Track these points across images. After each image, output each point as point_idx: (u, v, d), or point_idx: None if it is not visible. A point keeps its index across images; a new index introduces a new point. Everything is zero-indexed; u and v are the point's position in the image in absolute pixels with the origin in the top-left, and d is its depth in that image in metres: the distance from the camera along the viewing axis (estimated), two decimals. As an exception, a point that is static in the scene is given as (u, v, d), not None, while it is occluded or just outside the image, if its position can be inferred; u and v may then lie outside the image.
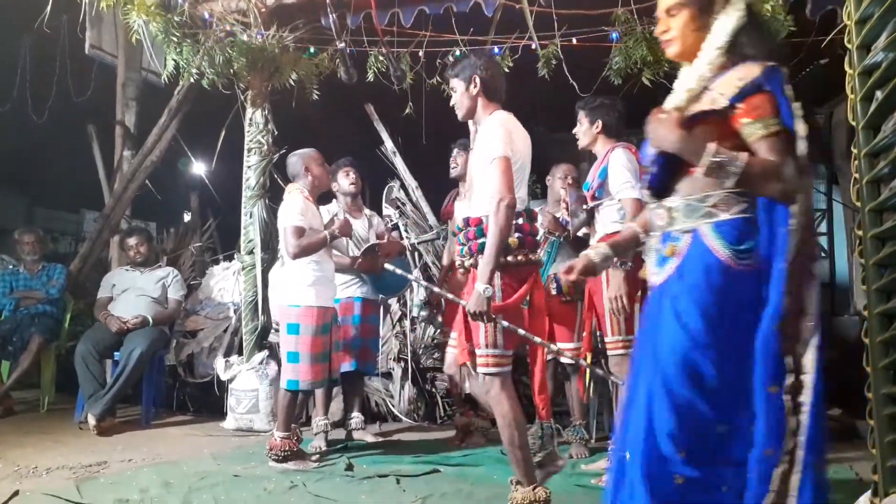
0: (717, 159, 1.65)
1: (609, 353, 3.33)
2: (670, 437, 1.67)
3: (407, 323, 5.13)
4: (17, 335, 4.93)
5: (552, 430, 2.81)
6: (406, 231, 5.25)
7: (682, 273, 1.76)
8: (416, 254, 5.25)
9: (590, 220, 3.45)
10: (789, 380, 1.64)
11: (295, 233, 3.51)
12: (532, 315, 2.71)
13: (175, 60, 4.36)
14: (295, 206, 3.58)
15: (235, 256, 5.32)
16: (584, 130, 3.44)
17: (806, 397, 1.64)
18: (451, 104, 2.84)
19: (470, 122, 2.86)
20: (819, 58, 5.24)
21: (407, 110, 4.65)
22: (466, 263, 2.73)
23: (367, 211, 4.48)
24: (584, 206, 3.44)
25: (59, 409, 4.96)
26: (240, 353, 5.06)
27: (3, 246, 5.66)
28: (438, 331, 4.98)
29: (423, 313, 4.93)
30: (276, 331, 4.72)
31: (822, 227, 6.93)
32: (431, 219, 5.28)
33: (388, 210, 5.38)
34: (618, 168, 3.28)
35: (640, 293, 3.34)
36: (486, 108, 2.76)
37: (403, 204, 5.32)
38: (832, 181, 6.82)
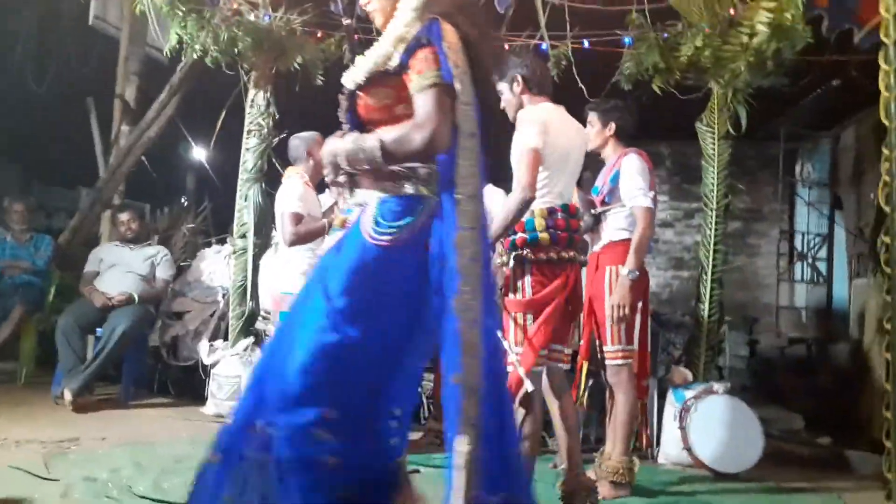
0: (347, 156, 1.63)
1: (607, 362, 3.25)
2: (305, 405, 1.60)
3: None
4: (0, 304, 4.84)
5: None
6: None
7: (340, 247, 1.72)
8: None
9: (595, 226, 3.37)
10: (464, 362, 1.53)
11: (292, 219, 3.43)
12: (562, 314, 2.63)
13: (179, 35, 4.27)
14: (294, 192, 3.51)
15: (227, 240, 5.23)
16: (596, 132, 3.36)
17: (474, 379, 1.52)
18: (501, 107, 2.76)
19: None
20: (831, 79, 5.21)
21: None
22: (497, 261, 2.66)
23: (363, 202, 4.40)
24: (592, 211, 3.36)
25: (37, 382, 4.86)
26: (226, 338, 4.98)
27: (-1, 219, 5.57)
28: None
29: None
30: (264, 318, 4.64)
31: (823, 253, 6.89)
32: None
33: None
34: (631, 174, 3.21)
35: (641, 304, 3.29)
36: (531, 103, 2.71)
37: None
38: (834, 206, 6.79)
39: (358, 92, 1.71)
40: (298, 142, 3.71)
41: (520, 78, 2.71)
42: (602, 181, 3.35)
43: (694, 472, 3.72)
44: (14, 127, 6.68)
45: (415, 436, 4.19)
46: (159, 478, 2.87)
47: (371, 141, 1.61)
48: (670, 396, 4.06)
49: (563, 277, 2.60)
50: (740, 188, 4.89)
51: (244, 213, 4.65)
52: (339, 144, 1.66)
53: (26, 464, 2.85)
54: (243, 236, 4.68)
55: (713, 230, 4.20)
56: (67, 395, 4.16)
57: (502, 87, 2.74)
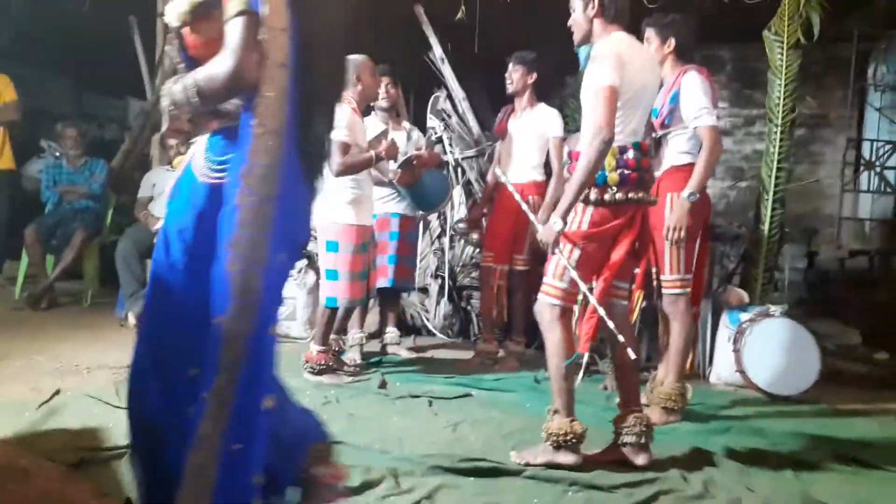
0: (174, 103, 1.53)
1: (664, 291, 3.18)
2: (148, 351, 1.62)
3: (446, 240, 5.04)
4: (61, 230, 5.00)
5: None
6: (450, 146, 5.06)
7: (177, 186, 1.67)
8: (459, 170, 5.08)
9: (656, 150, 3.22)
10: (233, 305, 1.42)
11: (340, 149, 3.38)
12: (627, 253, 2.54)
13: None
14: (341, 120, 3.43)
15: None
16: (654, 50, 3.16)
17: (240, 324, 1.43)
18: (567, 24, 2.60)
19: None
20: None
21: (459, 14, 4.37)
22: None
23: (406, 124, 4.31)
24: (653, 135, 3.21)
25: (103, 303, 5.07)
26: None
27: (52, 132, 5.67)
28: (477, 250, 4.88)
29: (461, 226, 4.81)
30: (315, 238, 4.69)
31: (892, 161, 6.53)
32: (478, 133, 5.06)
33: (432, 121, 5.17)
34: (693, 92, 3.04)
35: (701, 232, 3.19)
36: (604, 31, 2.52)
37: (449, 116, 5.10)
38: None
39: (183, 29, 1.60)
40: (346, 65, 3.60)
41: (596, 0, 2.49)
42: (661, 102, 3.18)
43: (746, 393, 3.70)
44: (62, 42, 6.72)
45: (465, 355, 4.28)
46: (223, 404, 2.98)
47: (188, 80, 1.51)
48: (725, 318, 4.00)
49: (628, 217, 2.51)
50: (808, 100, 4.58)
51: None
52: (172, 89, 1.55)
53: (98, 391, 3.00)
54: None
55: (777, 147, 3.99)
56: (131, 319, 4.33)
57: (575, 3, 2.55)
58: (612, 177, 2.46)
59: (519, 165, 4.07)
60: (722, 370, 3.93)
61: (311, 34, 1.58)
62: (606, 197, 2.46)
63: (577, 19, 2.55)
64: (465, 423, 2.91)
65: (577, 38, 2.58)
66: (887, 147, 6.45)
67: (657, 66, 2.68)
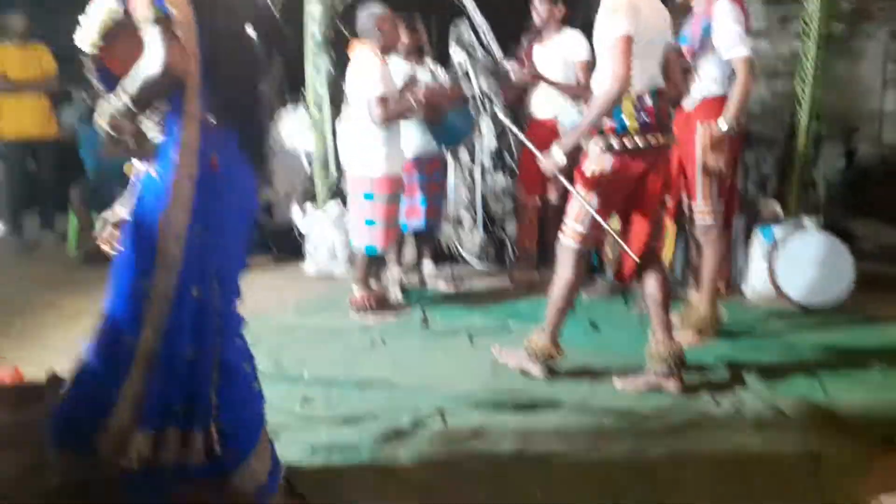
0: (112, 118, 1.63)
1: (696, 219, 3.22)
2: None
3: (477, 171, 5.08)
4: (106, 189, 5.18)
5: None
6: (476, 77, 5.01)
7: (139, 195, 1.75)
8: (486, 101, 5.05)
9: (685, 80, 3.16)
10: (158, 273, 1.65)
11: (380, 103, 3.46)
12: (642, 198, 2.64)
13: None
14: (372, 73, 3.50)
15: (304, 109, 5.27)
16: None
17: (164, 288, 1.64)
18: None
19: None
20: None
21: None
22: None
23: (429, 62, 4.30)
24: (682, 64, 3.15)
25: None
26: (314, 200, 5.20)
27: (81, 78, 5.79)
28: (509, 179, 4.92)
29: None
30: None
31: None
32: (502, 62, 4.99)
33: (457, 55, 5.10)
34: (725, 21, 2.97)
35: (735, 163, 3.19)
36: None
37: (474, 48, 5.02)
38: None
39: (100, 53, 1.70)
40: (367, 15, 3.60)
41: None
42: (692, 31, 3.10)
43: (781, 306, 3.77)
44: None
45: (501, 283, 4.41)
46: (277, 353, 3.18)
47: (121, 92, 1.61)
48: (759, 233, 4.03)
49: (650, 163, 2.57)
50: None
51: (316, 84, 4.64)
52: (106, 107, 1.65)
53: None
54: (319, 107, 4.70)
55: (812, 61, 3.89)
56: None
57: None
58: (633, 124, 2.50)
59: (547, 95, 4.06)
60: (757, 284, 3.99)
61: (215, 27, 1.71)
62: (628, 144, 2.51)
63: None
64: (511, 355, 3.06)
65: None
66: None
67: (666, 12, 2.64)
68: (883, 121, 6.40)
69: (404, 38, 4.03)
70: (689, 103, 3.17)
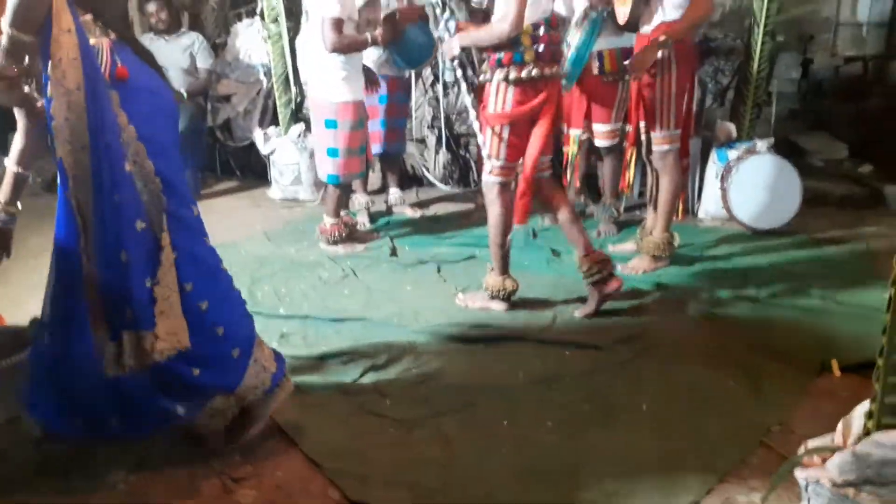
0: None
1: (654, 147, 3.32)
2: None
3: (440, 88, 5.06)
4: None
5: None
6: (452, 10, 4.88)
7: None
8: (448, 11, 4.94)
9: (646, 4, 3.18)
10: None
11: (334, 26, 3.34)
12: (547, 128, 2.80)
13: None
14: None
15: (260, 24, 5.09)
16: None
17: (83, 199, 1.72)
18: None
19: None
20: None
21: None
22: (481, 78, 2.82)
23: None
24: None
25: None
26: (275, 119, 5.13)
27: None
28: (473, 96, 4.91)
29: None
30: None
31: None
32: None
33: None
34: None
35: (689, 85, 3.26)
36: None
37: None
38: None
39: None
40: None
41: None
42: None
43: (732, 228, 3.97)
44: None
45: (467, 207, 4.51)
46: (252, 287, 3.27)
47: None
48: (713, 155, 4.17)
49: (546, 93, 2.73)
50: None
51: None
52: None
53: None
54: (275, 20, 4.56)
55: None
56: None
57: None
58: (529, 54, 2.67)
59: None
60: (710, 206, 4.18)
61: None
62: (524, 74, 2.67)
63: None
64: (472, 287, 3.21)
65: None
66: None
67: None
68: (838, 31, 6.46)
69: None
70: (646, 28, 3.20)
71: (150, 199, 1.77)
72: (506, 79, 2.70)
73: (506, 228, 2.91)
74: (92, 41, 1.73)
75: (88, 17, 1.76)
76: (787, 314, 2.89)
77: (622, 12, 3.30)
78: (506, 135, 2.78)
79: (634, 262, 3.42)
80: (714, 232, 3.97)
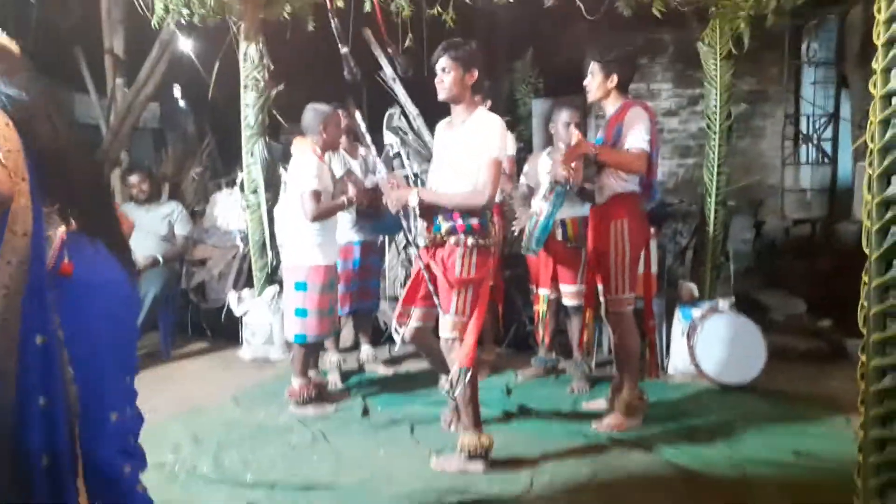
0: None
1: (612, 309, 3.41)
2: None
3: (413, 250, 5.22)
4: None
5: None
6: (408, 159, 5.21)
7: None
8: (419, 182, 5.24)
9: (596, 176, 3.42)
10: None
11: (313, 197, 3.55)
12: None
13: (164, 4, 4.16)
14: (310, 168, 3.58)
15: (239, 194, 5.33)
16: (598, 84, 3.32)
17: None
18: (435, 81, 2.94)
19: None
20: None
21: (407, 43, 4.49)
22: (436, 239, 2.98)
23: (361, 150, 4.44)
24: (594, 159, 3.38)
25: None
26: (249, 281, 5.21)
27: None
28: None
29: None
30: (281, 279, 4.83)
31: (828, 133, 6.87)
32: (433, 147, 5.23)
33: (389, 138, 5.30)
34: (634, 125, 3.22)
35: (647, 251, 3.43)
36: (472, 102, 2.95)
37: (405, 132, 5.25)
38: (840, 85, 6.69)
39: None
40: (313, 114, 3.71)
41: (475, 73, 2.90)
42: (606, 133, 3.37)
43: (702, 384, 4.01)
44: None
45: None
46: (219, 454, 3.17)
47: None
48: (678, 314, 4.30)
49: (492, 260, 3.00)
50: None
51: (252, 170, 4.72)
52: None
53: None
54: (254, 192, 4.78)
55: (717, 152, 4.25)
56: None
57: (449, 65, 2.87)
58: (491, 226, 2.95)
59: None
60: (678, 362, 4.24)
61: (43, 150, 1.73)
62: (481, 242, 2.90)
63: (452, 83, 2.89)
64: (446, 450, 3.14)
65: (445, 96, 2.94)
66: (823, 119, 6.77)
67: None
68: (784, 196, 6.95)
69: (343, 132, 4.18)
70: (601, 199, 3.41)
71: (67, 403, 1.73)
72: (476, 244, 2.87)
73: (474, 381, 2.93)
74: (48, 232, 1.73)
75: (54, 208, 1.77)
76: (760, 471, 2.86)
77: (577, 180, 3.50)
78: (469, 295, 2.90)
79: (608, 420, 3.41)
80: (684, 388, 4.01)
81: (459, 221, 2.88)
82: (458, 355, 2.89)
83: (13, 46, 1.82)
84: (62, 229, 1.77)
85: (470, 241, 2.87)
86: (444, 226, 2.91)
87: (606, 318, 3.52)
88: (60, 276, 1.72)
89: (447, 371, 2.99)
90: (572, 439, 3.27)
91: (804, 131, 6.85)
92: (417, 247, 5.15)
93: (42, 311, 1.68)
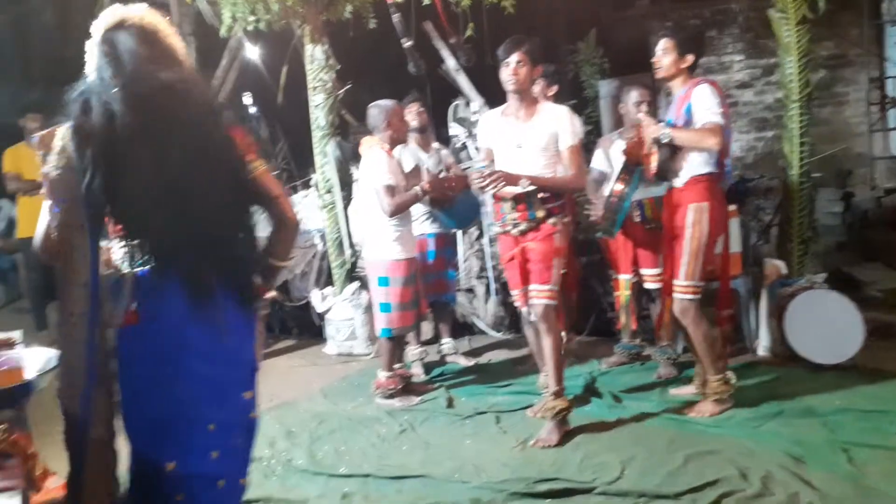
0: None
1: (676, 295, 3.29)
2: None
3: (486, 241, 5.23)
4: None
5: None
6: (475, 150, 5.21)
7: None
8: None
9: (672, 157, 3.33)
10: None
11: (388, 192, 3.62)
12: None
13: (232, 14, 4.29)
14: (381, 165, 3.66)
15: (314, 190, 5.45)
16: (671, 62, 3.22)
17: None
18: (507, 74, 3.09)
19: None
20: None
21: (468, 32, 4.49)
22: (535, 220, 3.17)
23: (434, 145, 4.48)
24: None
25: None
26: (329, 278, 5.34)
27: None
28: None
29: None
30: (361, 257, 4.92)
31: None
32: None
33: (454, 129, 5.32)
34: (705, 101, 3.13)
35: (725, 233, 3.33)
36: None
37: (470, 123, 5.24)
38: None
39: None
40: (377, 111, 3.78)
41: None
42: (676, 114, 3.27)
43: (794, 364, 3.85)
44: (81, 59, 6.92)
45: (520, 353, 4.50)
46: (312, 446, 3.26)
47: None
48: (765, 293, 4.14)
49: None
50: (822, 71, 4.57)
51: (326, 169, 4.82)
52: None
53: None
54: (329, 191, 4.88)
55: (798, 123, 4.06)
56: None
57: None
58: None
59: None
60: (768, 343, 4.09)
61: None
62: (569, 221, 3.24)
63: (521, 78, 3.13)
64: (532, 439, 3.14)
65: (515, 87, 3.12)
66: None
67: None
68: (874, 164, 6.60)
69: (415, 116, 4.23)
70: (677, 182, 3.31)
71: None
72: (567, 223, 3.21)
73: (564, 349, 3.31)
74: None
75: (121, 242, 1.68)
76: (869, 460, 2.72)
77: (653, 165, 3.42)
78: (561, 267, 3.18)
79: (699, 407, 3.33)
80: (776, 369, 3.86)
81: (553, 204, 3.13)
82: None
83: None
84: (130, 275, 1.70)
85: (564, 220, 3.16)
86: (540, 211, 3.12)
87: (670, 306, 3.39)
88: (126, 324, 1.67)
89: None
90: (663, 426, 3.21)
91: (891, 95, 6.47)
92: (491, 236, 5.22)
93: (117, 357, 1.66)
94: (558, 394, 3.17)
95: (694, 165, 3.24)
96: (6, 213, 7.18)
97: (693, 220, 3.22)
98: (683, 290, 3.27)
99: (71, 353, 1.60)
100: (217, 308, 1.69)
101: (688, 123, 3.21)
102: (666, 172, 3.40)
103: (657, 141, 3.23)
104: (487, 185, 3.08)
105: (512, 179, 3.07)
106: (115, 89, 1.60)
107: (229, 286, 1.73)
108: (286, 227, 1.84)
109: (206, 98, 1.76)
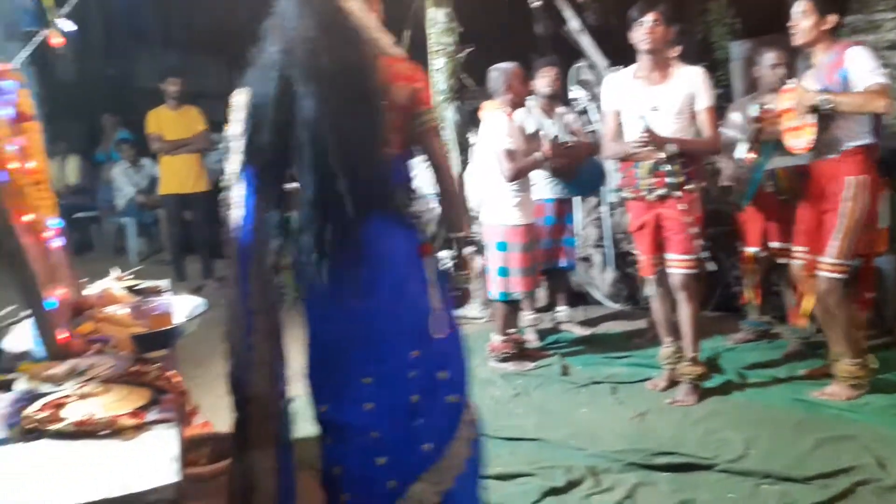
0: None
1: (823, 273, 3.06)
2: None
3: (605, 209, 5.12)
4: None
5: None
6: (597, 112, 5.07)
7: None
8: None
9: (825, 128, 3.03)
10: None
11: (508, 156, 3.61)
12: None
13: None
14: (502, 129, 3.65)
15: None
16: (811, 25, 2.94)
17: None
18: (642, 33, 3.06)
19: None
20: None
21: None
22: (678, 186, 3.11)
23: (559, 109, 4.38)
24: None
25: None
26: (448, 242, 5.40)
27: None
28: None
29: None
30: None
31: None
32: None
33: (576, 92, 5.19)
34: (862, 62, 2.86)
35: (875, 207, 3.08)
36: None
37: (593, 86, 5.09)
38: None
39: None
40: (497, 74, 3.76)
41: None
42: (829, 80, 2.96)
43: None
44: (216, 24, 7.14)
45: (637, 325, 4.40)
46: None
47: None
48: (914, 271, 3.82)
49: None
50: None
51: (445, 133, 4.84)
52: None
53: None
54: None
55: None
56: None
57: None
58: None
59: None
60: (916, 325, 3.78)
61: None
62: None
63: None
64: (652, 413, 3.09)
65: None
66: None
67: None
68: None
69: (551, 82, 4.16)
70: (832, 154, 3.04)
71: None
72: (701, 188, 3.17)
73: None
74: None
75: None
76: None
77: (797, 143, 3.17)
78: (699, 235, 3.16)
79: (832, 389, 3.14)
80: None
81: (691, 168, 3.09)
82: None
83: None
84: None
85: (701, 186, 3.15)
86: (680, 176, 3.08)
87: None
88: None
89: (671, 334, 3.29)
90: (790, 408, 3.06)
91: None
92: (610, 204, 5.10)
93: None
94: (695, 360, 3.19)
95: (852, 135, 2.97)
96: (148, 172, 7.74)
97: (852, 195, 2.97)
98: (831, 268, 3.03)
99: (231, 297, 1.76)
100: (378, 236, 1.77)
101: (845, 90, 2.92)
102: (817, 144, 3.14)
103: (815, 109, 2.96)
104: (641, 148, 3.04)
105: (661, 142, 3.00)
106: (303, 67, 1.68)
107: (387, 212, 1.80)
108: (446, 197, 1.93)
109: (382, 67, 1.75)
